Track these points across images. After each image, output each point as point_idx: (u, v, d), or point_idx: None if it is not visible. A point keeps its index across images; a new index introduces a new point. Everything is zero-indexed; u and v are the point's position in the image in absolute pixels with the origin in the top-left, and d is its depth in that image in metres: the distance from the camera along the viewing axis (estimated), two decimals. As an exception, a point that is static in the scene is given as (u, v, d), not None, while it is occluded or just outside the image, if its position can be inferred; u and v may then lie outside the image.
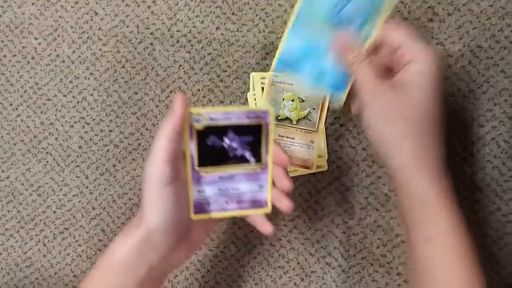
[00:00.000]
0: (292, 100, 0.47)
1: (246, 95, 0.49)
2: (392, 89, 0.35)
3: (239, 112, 0.34)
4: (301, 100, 0.47)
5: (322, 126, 0.47)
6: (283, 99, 0.47)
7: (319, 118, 0.47)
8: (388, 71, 0.37)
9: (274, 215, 0.49)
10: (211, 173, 0.35)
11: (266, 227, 0.36)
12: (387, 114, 0.35)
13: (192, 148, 0.34)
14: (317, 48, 0.38)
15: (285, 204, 0.36)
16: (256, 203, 0.37)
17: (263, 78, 0.48)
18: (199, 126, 0.34)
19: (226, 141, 0.35)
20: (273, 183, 0.36)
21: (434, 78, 0.34)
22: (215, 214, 0.36)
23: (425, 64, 0.34)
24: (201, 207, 0.36)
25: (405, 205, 0.36)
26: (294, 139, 0.47)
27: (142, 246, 0.34)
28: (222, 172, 0.36)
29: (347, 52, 0.37)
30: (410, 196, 0.35)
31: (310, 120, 0.47)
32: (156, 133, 0.50)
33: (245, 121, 0.34)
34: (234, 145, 0.35)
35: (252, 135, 0.35)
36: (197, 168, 0.35)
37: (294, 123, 0.47)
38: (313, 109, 0.47)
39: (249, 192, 0.36)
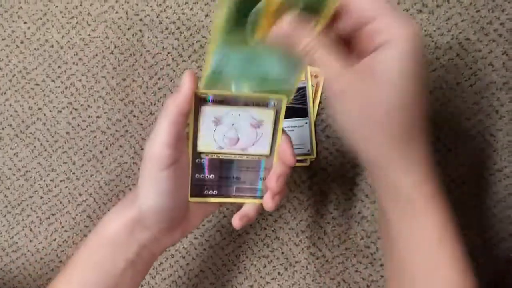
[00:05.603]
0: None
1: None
2: (363, 79, 0.28)
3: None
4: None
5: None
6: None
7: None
8: (346, 46, 0.30)
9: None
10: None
11: (236, 221, 0.35)
12: (360, 112, 0.28)
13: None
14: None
15: (267, 204, 0.34)
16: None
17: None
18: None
19: None
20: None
21: (416, 64, 0.27)
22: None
23: (405, 48, 0.26)
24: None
25: (388, 208, 0.32)
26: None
27: (133, 225, 0.33)
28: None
29: (297, 40, 0.28)
30: (394, 198, 0.31)
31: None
32: (143, 120, 0.51)
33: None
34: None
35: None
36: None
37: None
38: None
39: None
